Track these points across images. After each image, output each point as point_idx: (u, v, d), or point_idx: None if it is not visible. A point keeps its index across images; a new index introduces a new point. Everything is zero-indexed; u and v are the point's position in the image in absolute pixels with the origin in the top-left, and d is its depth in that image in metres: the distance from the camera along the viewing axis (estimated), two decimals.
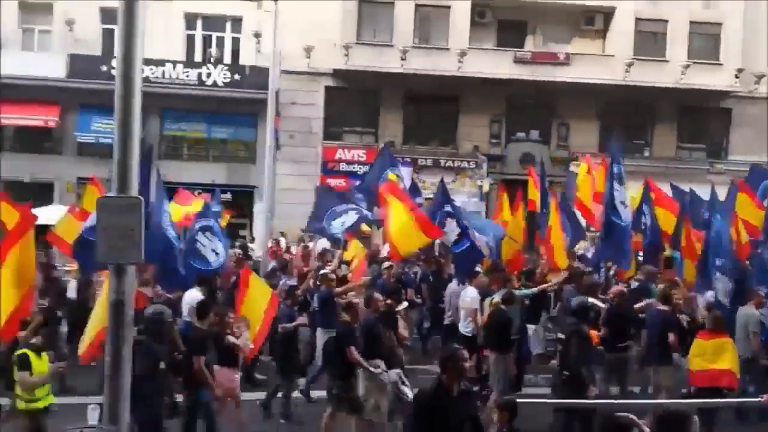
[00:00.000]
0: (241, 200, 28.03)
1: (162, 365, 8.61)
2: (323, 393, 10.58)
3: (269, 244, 19.72)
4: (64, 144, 29.29)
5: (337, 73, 29.27)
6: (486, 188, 29.82)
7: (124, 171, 6.48)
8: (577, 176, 18.19)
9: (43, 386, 8.52)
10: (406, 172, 19.10)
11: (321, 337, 11.96)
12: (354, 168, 28.68)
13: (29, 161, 28.68)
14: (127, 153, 6.48)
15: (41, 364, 8.49)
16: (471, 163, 29.95)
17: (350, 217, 15.07)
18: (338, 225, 15.10)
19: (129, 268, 6.47)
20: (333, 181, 27.21)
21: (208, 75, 28.51)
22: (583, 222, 17.58)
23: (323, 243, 19.17)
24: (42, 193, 28.44)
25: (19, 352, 8.52)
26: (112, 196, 6.50)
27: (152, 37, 24.14)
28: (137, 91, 6.45)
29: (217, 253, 13.06)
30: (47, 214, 27.06)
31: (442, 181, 16.05)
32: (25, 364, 8.37)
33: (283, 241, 23.21)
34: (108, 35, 28.91)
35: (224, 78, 28.47)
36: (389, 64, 28.64)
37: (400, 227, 13.12)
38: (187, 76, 28.36)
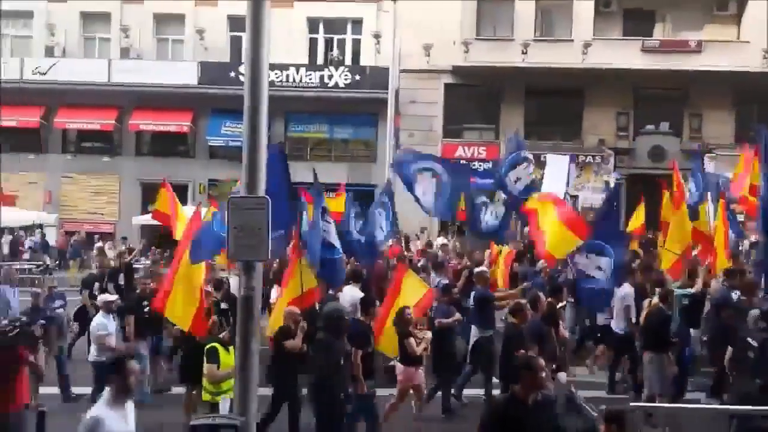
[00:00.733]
0: (362, 199, 28.41)
1: (342, 361, 8.69)
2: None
3: (390, 242, 19.81)
4: (196, 148, 30.72)
5: (456, 70, 29.13)
6: (612, 183, 28.88)
7: (253, 171, 6.69)
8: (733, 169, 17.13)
9: (229, 379, 8.68)
10: (556, 160, 18.47)
11: (475, 336, 11.83)
12: (474, 165, 28.45)
13: (165, 164, 30.21)
14: (256, 154, 6.69)
15: (228, 357, 8.73)
16: (596, 158, 29.06)
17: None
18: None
19: (257, 265, 6.69)
20: None
21: (330, 77, 29.10)
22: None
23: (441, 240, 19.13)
24: (177, 194, 29.87)
25: (209, 345, 8.87)
26: (242, 196, 6.74)
27: (276, 42, 24.94)
28: (264, 95, 6.64)
29: (382, 229, 13.52)
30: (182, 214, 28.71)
31: (617, 184, 15.49)
32: (213, 357, 8.72)
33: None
34: (235, 42, 30.12)
35: (345, 79, 28.98)
36: (510, 59, 28.20)
37: (551, 230, 12.44)
38: (310, 78, 29.07)
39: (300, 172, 23.13)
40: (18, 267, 26.43)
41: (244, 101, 6.74)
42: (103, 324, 10.66)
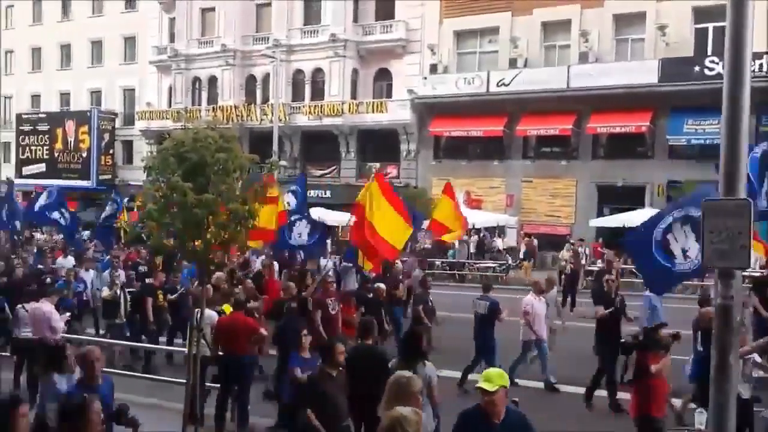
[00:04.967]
0: None
1: None
2: None
3: None
4: (655, 148, 29.74)
5: None
6: None
7: (732, 172, 6.22)
8: None
9: None
10: None
11: None
12: None
13: (621, 166, 29.99)
14: (735, 153, 6.22)
15: None
16: None
17: None
18: None
19: (736, 273, 6.20)
20: None
21: None
22: None
23: None
24: (633, 196, 29.44)
25: None
26: (719, 198, 6.31)
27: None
28: (746, 91, 6.13)
29: None
30: (639, 217, 28.01)
31: None
32: None
33: None
34: (700, 35, 28.44)
35: None
36: None
37: None
38: None
39: None
40: (483, 265, 29.06)
41: (717, 97, 6.27)
42: None
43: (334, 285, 13.25)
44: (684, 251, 9.90)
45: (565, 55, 31.92)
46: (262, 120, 37.54)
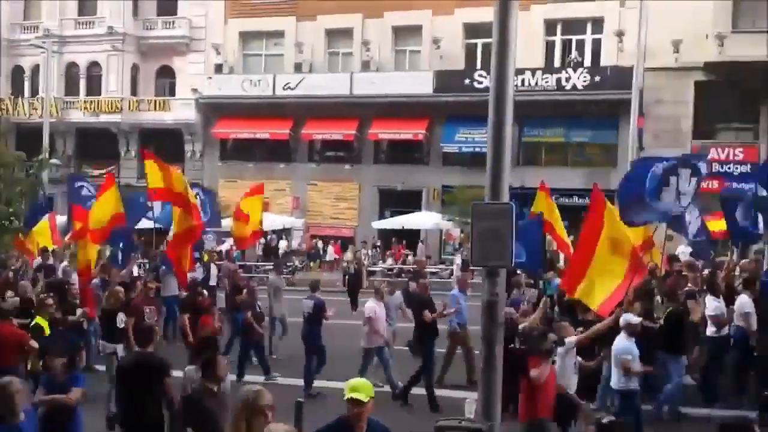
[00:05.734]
0: None
1: None
2: None
3: None
4: (431, 154, 31.33)
5: (708, 67, 26.86)
6: None
7: (496, 178, 6.63)
8: None
9: None
10: None
11: None
12: (729, 169, 26.15)
13: (401, 171, 31.28)
14: (499, 160, 6.62)
15: None
16: None
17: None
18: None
19: (500, 271, 6.63)
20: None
21: (567, 79, 28.31)
22: None
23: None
24: (411, 200, 30.88)
25: None
26: (485, 202, 6.70)
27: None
28: (509, 103, 6.57)
29: None
30: (416, 220, 29.60)
31: None
32: None
33: None
34: (470, 50, 30.38)
35: (584, 81, 28.04)
36: None
37: None
38: (546, 82, 28.48)
39: (534, 178, 22.96)
40: (270, 267, 28.93)
41: (486, 108, 6.70)
42: (628, 347, 9.17)
43: (154, 291, 12.56)
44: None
45: (348, 63, 32.67)
46: (31, 114, 34.77)
